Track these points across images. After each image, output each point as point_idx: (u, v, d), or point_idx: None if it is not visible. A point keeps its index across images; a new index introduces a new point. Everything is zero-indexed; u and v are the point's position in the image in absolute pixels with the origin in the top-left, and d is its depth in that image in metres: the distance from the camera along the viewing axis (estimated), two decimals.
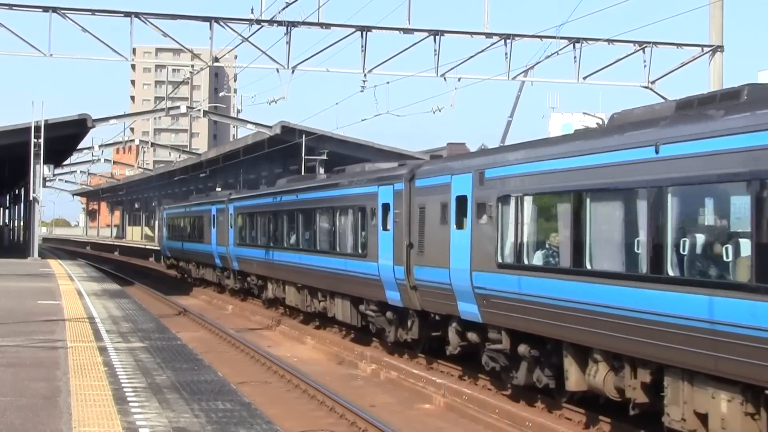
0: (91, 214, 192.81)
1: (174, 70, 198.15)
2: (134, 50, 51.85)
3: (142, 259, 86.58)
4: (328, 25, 36.39)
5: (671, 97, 39.04)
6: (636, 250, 13.61)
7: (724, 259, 12.13)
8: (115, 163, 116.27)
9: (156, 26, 36.50)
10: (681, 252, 12.84)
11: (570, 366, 15.86)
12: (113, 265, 72.63)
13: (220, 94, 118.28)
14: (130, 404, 11.67)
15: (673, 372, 13.17)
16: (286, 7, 33.45)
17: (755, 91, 12.96)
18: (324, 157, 58.76)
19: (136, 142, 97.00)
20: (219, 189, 64.73)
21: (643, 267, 13.46)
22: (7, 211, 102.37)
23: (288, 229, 32.72)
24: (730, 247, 12.06)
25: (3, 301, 25.66)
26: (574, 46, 37.71)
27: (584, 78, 38.96)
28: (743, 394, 12.06)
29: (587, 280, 14.78)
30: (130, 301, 28.12)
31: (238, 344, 28.16)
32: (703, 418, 12.69)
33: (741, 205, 12.11)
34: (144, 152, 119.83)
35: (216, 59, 39.82)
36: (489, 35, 37.51)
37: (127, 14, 36.05)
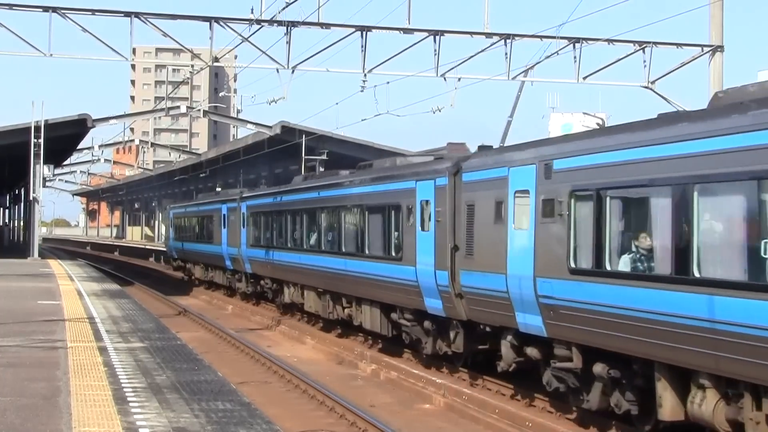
0: (91, 214, 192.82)
1: (174, 70, 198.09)
2: (134, 50, 51.81)
3: (142, 259, 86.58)
4: (328, 25, 36.40)
5: (671, 97, 39.15)
6: (764, 254, 11.38)
7: None
8: (115, 163, 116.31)
9: (156, 26, 36.52)
10: None
11: (664, 391, 13.55)
12: (113, 266, 72.62)
13: (220, 94, 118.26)
14: (130, 404, 11.66)
15: None
16: (286, 7, 33.51)
17: None
18: (324, 157, 58.79)
19: (136, 142, 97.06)
20: (219, 189, 64.60)
21: None
22: (7, 211, 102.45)
23: (308, 230, 30.49)
24: None
25: (3, 301, 25.66)
26: (574, 46, 37.72)
27: (584, 78, 38.97)
28: None
29: (698, 290, 12.43)
30: (130, 301, 28.11)
31: (238, 344, 28.15)
32: None
33: None
34: (144, 152, 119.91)
35: (216, 59, 39.82)
36: (489, 35, 37.53)
37: (127, 14, 36.06)
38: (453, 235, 19.67)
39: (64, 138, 55.86)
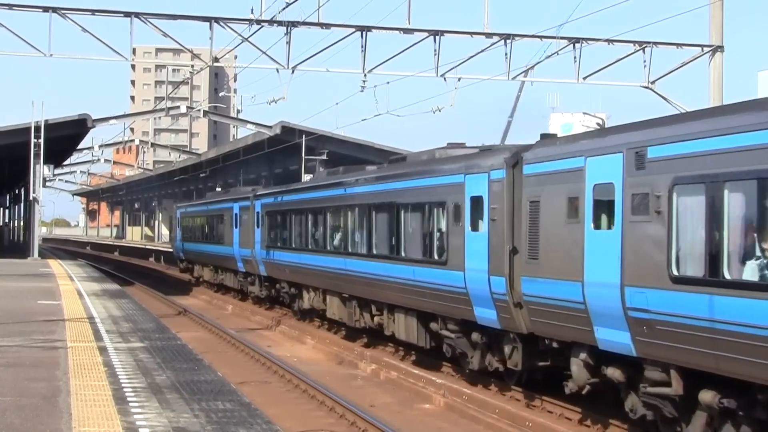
0: (91, 214, 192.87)
1: (174, 70, 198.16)
2: (134, 50, 51.89)
3: (142, 259, 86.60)
4: (328, 25, 36.41)
5: (671, 97, 39.14)
6: None
7: None
8: (115, 163, 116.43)
9: (156, 26, 36.52)
10: None
11: None
12: (113, 266, 72.65)
13: (220, 94, 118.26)
14: (130, 404, 11.66)
15: None
16: (286, 7, 33.53)
17: None
18: (324, 157, 58.83)
19: (136, 142, 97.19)
20: (219, 189, 64.54)
21: None
22: (7, 211, 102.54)
23: (332, 230, 27.93)
24: None
25: (3, 301, 25.66)
26: (574, 46, 37.73)
27: (584, 78, 38.98)
28: None
29: None
30: (130, 301, 28.11)
31: (238, 344, 28.16)
32: None
33: None
34: (144, 152, 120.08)
35: (216, 59, 39.82)
36: (489, 35, 37.54)
37: (127, 14, 36.07)
38: (512, 237, 17.31)
39: (64, 138, 55.89)
